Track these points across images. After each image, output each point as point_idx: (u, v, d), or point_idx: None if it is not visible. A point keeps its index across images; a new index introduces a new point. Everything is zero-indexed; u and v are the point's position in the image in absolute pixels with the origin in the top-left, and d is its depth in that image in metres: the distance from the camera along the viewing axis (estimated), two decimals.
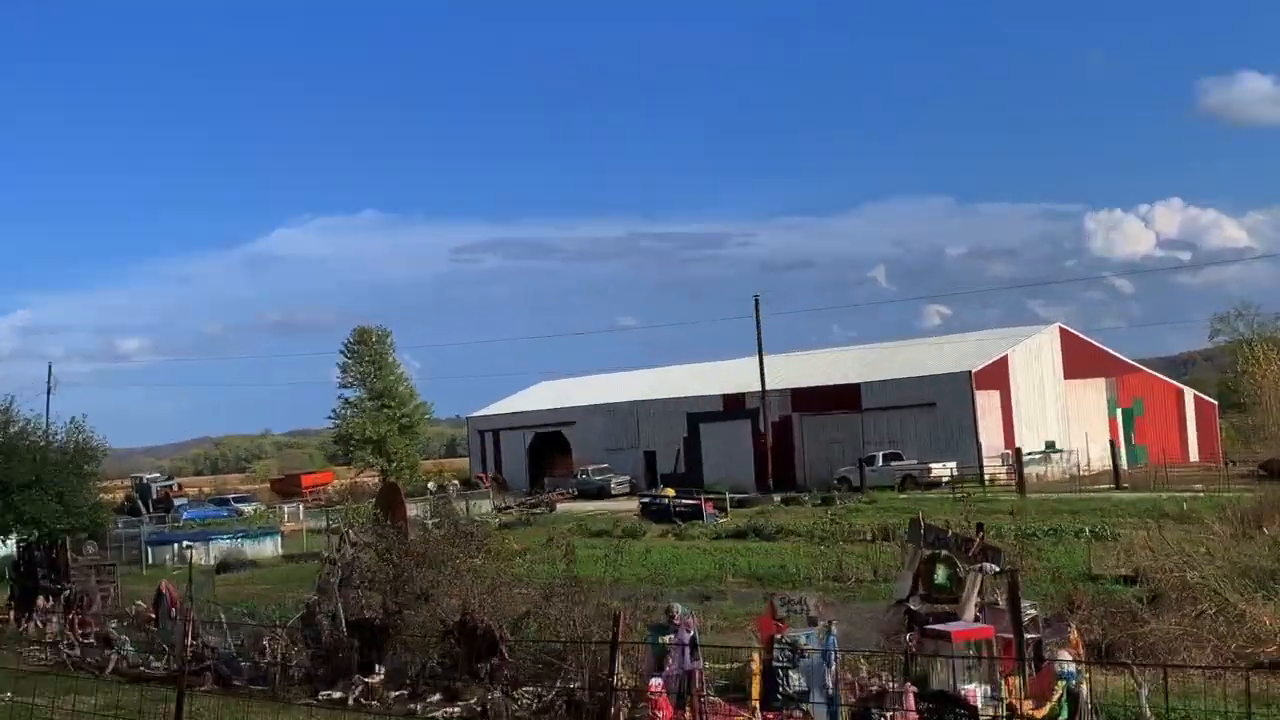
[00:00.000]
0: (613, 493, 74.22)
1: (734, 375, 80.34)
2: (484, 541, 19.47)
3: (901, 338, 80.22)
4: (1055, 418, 68.68)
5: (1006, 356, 66.99)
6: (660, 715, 15.75)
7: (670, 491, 58.70)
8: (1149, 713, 13.94)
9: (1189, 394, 76.02)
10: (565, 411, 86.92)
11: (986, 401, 64.77)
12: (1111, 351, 73.81)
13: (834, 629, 13.77)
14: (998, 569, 15.99)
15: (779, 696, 16.68)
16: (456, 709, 17.86)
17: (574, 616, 16.96)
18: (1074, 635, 15.01)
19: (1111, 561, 28.73)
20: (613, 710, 16.06)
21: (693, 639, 15.85)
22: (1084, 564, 28.89)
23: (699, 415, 77.00)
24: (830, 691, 13.87)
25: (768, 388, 70.36)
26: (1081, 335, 72.49)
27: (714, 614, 23.54)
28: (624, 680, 16.17)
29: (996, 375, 65.80)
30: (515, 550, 28.38)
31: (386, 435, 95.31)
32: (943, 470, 59.72)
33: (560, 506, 65.98)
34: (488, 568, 18.91)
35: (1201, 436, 74.89)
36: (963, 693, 13.26)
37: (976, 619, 16.91)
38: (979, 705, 13.00)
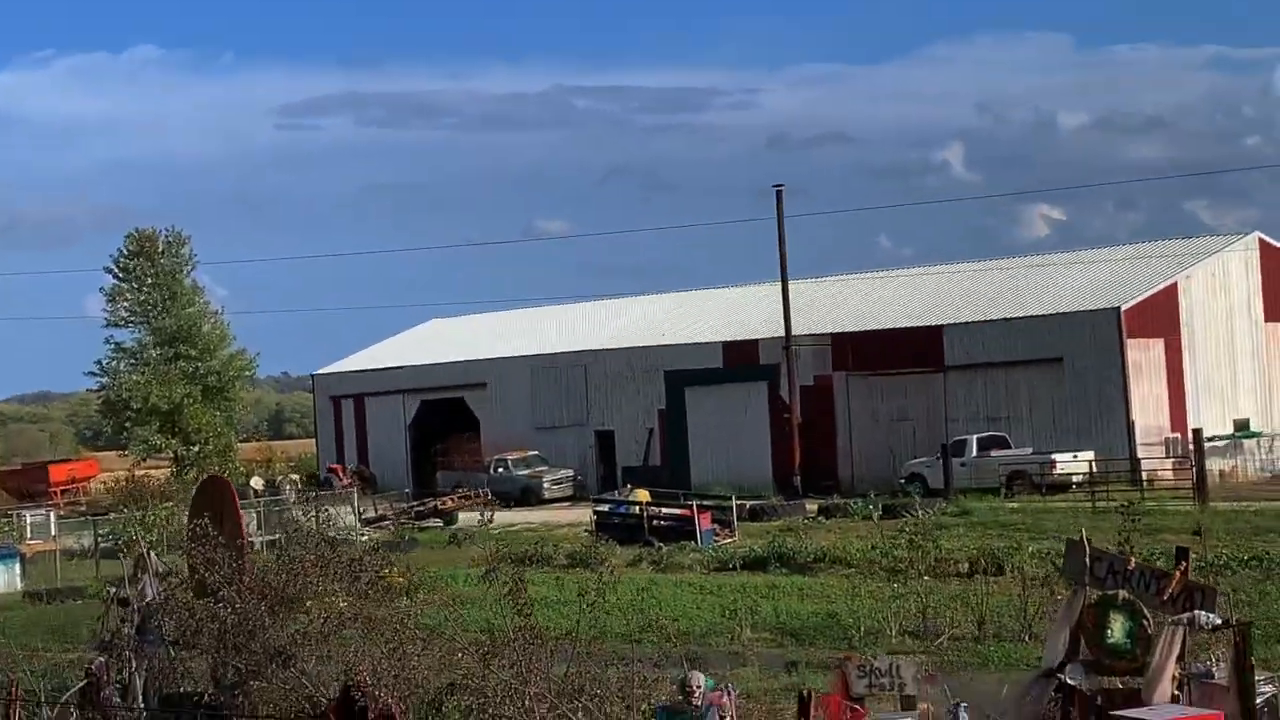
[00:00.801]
0: (546, 495, 74.51)
1: (740, 313, 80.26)
2: (379, 572, 19.25)
3: (998, 257, 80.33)
4: (1251, 383, 68.95)
5: (1175, 286, 67.21)
6: None
7: (643, 495, 58.79)
8: None
9: None
10: (469, 368, 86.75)
11: (1143, 356, 65.03)
12: None
13: (965, 714, 13.62)
14: (1218, 621, 15.89)
15: None
16: None
17: (528, 693, 16.75)
18: None
19: None
20: None
21: None
22: None
23: (685, 376, 77.00)
24: None
25: (796, 332, 70.13)
26: None
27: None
28: None
29: (1159, 315, 66.00)
30: (403, 583, 28.34)
31: (184, 403, 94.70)
32: (1074, 464, 60.05)
33: (464, 516, 66.00)
34: (384, 615, 18.67)
35: None
36: None
37: (1176, 698, 16.87)
38: None
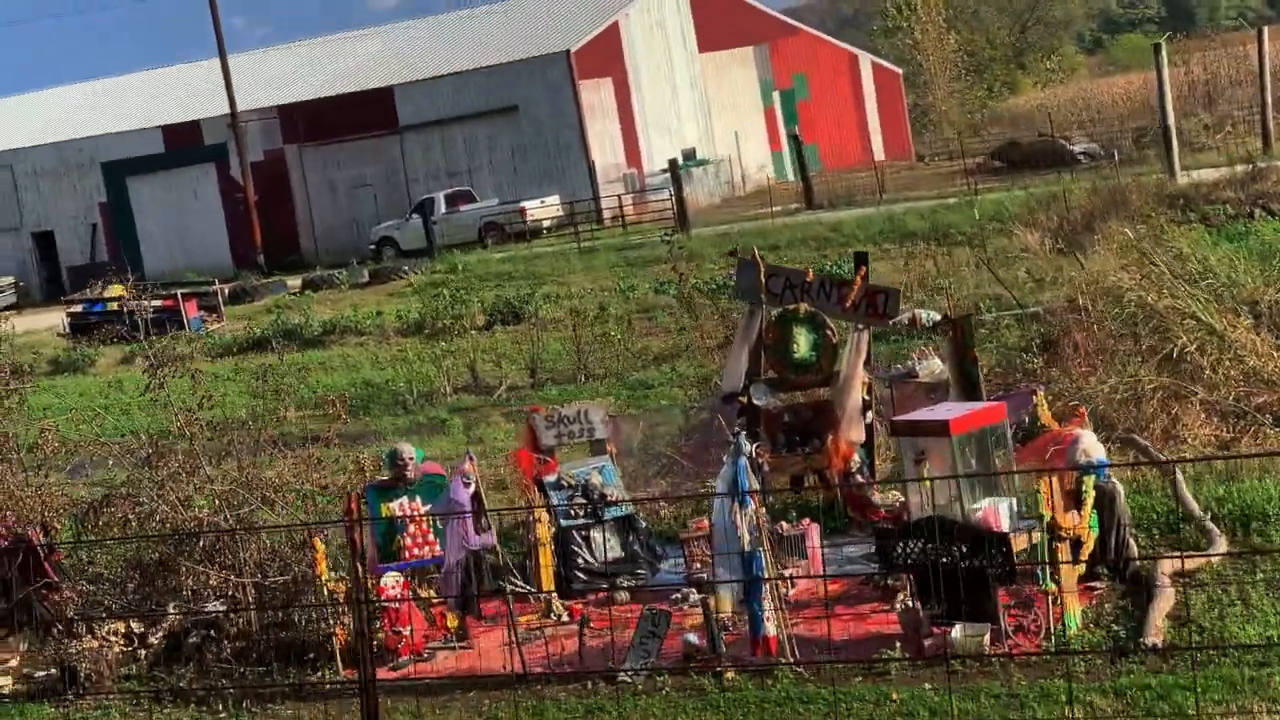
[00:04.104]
0: None
1: (177, 94, 76.99)
2: (24, 382, 17.10)
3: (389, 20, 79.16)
4: (693, 113, 70.52)
5: (616, 24, 67.64)
6: (404, 634, 14.57)
7: (119, 290, 55.75)
8: (1204, 514, 14.23)
9: (865, 61, 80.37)
10: None
11: (595, 97, 65.50)
12: (753, 2, 76.44)
13: (747, 445, 12.84)
14: (938, 318, 15.70)
15: (578, 575, 15.96)
16: None
17: (211, 490, 15.18)
18: (1044, 411, 14.96)
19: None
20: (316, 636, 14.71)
21: (475, 494, 14.54)
22: None
23: (125, 165, 73.76)
24: (750, 549, 12.99)
25: (241, 108, 67.66)
26: None
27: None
28: (330, 583, 14.77)
29: (605, 55, 66.47)
30: None
31: None
32: (544, 209, 60.28)
33: None
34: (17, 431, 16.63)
35: (886, 122, 79.71)
36: (979, 516, 12.79)
37: (866, 403, 16.71)
38: (1009, 531, 12.59)
